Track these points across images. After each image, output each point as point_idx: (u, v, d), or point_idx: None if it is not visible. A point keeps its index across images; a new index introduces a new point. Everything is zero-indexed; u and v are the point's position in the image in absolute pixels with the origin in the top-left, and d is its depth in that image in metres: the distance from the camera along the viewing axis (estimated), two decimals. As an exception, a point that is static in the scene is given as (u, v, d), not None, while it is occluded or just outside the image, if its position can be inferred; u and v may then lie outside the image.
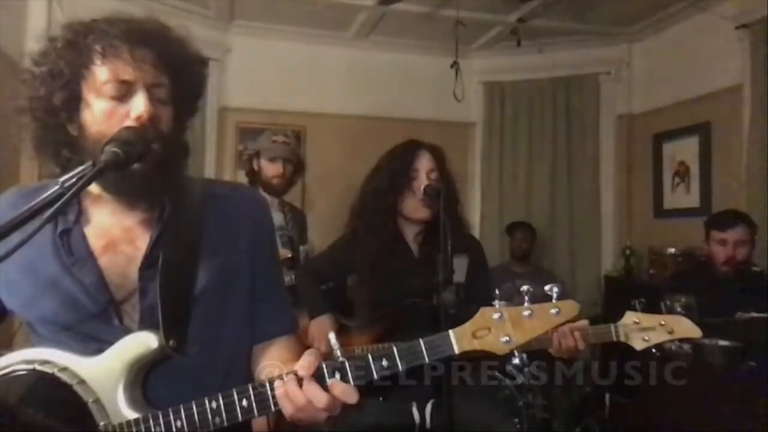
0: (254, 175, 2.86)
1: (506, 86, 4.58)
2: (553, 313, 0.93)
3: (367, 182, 2.15)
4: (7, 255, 0.84)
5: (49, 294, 1.04)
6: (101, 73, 0.99)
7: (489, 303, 0.96)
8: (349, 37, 4.33)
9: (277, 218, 2.84)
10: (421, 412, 1.93)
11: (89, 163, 0.91)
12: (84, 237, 1.06)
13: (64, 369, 1.02)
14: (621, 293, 3.89)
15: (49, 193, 0.86)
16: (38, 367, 1.03)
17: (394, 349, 0.95)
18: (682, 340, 1.65)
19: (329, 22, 4.11)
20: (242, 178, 3.22)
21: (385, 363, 0.94)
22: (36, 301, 1.05)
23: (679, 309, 2.32)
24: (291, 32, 4.24)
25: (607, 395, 3.10)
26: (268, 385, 0.97)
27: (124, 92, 0.99)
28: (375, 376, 0.95)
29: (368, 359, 0.95)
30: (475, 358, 1.87)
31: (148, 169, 0.97)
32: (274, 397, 0.96)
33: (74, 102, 1.01)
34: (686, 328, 1.56)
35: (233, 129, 4.17)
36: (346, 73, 4.40)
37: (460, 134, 4.65)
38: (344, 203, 2.29)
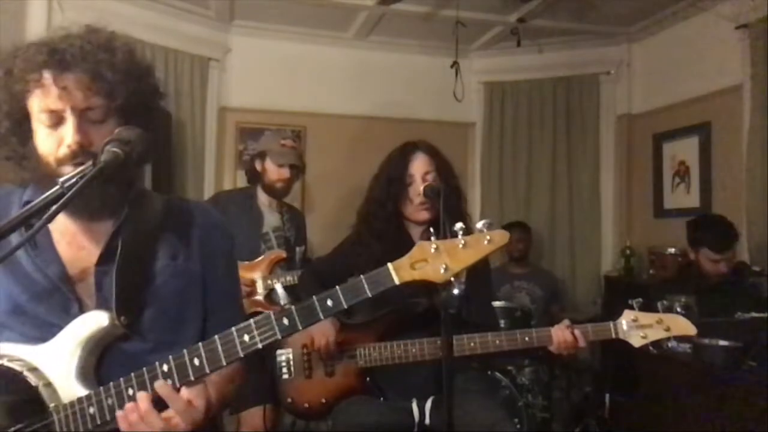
0: (255, 176, 2.86)
1: (506, 86, 4.58)
2: (485, 242, 1.00)
3: (369, 189, 2.17)
4: (7, 255, 0.88)
5: (16, 284, 1.08)
6: (35, 103, 1.04)
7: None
8: (349, 37, 4.33)
9: (275, 219, 2.84)
10: (421, 409, 1.94)
11: (89, 163, 0.93)
12: (48, 231, 1.10)
13: (17, 359, 1.06)
14: (621, 293, 3.88)
15: (49, 193, 0.88)
16: None
17: (338, 288, 1.00)
18: (680, 339, 1.69)
19: (329, 22, 4.11)
20: (242, 178, 3.22)
21: (329, 303, 0.99)
22: (5, 291, 1.08)
23: (678, 309, 2.32)
24: (291, 32, 4.24)
25: (607, 395, 3.10)
26: (218, 340, 1.00)
27: (56, 120, 1.03)
28: (321, 316, 0.99)
29: (313, 301, 0.99)
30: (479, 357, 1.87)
31: (86, 188, 0.98)
32: (225, 352, 0.99)
33: (24, 123, 1.06)
34: (682, 325, 1.63)
35: (233, 129, 4.17)
36: (346, 73, 4.39)
37: (460, 134, 4.65)
38: (344, 203, 2.30)
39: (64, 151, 1.02)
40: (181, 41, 3.81)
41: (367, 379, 1.97)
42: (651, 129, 4.19)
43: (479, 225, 1.02)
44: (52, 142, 1.04)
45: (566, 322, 1.81)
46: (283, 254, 2.76)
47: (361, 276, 1.00)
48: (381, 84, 4.44)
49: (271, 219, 2.83)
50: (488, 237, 1.00)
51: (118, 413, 0.99)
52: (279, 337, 0.99)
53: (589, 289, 4.32)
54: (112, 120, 1.06)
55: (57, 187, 0.90)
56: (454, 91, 3.63)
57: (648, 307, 1.70)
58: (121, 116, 1.07)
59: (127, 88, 1.06)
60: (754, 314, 2.39)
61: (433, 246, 1.00)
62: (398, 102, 4.43)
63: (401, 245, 2.05)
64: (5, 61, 1.04)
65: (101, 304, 1.08)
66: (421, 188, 1.97)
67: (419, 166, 2.04)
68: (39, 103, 1.03)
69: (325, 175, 4.12)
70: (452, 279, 1.00)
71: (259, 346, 0.99)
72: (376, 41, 4.40)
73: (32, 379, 1.04)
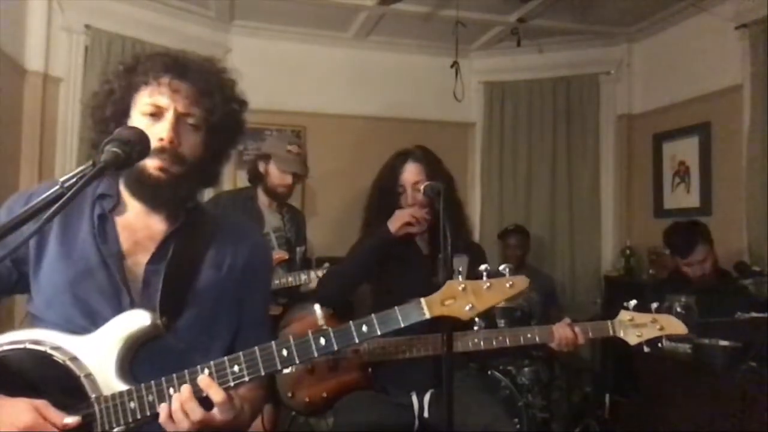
0: (258, 177, 2.85)
1: (506, 86, 4.58)
2: (508, 285, 1.12)
3: (369, 194, 2.19)
4: (12, 251, 0.94)
5: (75, 266, 1.15)
6: (144, 95, 1.17)
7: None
8: (349, 37, 4.33)
9: (275, 219, 2.84)
10: (420, 402, 1.95)
11: (89, 162, 0.93)
12: (115, 225, 1.20)
13: (57, 348, 1.10)
14: (621, 293, 3.87)
15: (49, 192, 0.89)
16: (29, 346, 1.09)
17: (373, 316, 1.09)
18: (674, 339, 1.76)
19: (329, 22, 4.11)
20: (242, 177, 3.21)
21: (365, 328, 1.09)
22: (65, 271, 1.15)
23: (679, 309, 2.32)
24: (291, 32, 4.25)
25: (607, 395, 3.10)
26: (257, 351, 1.07)
27: (157, 114, 1.15)
28: (356, 340, 1.09)
29: (350, 326, 1.09)
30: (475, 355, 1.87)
31: (165, 181, 1.13)
32: (264, 362, 1.07)
33: (123, 115, 1.18)
34: (674, 324, 1.71)
35: (233, 129, 4.16)
36: (346, 73, 4.40)
37: (460, 134, 4.65)
38: (344, 202, 2.30)
39: (155, 144, 1.11)
40: (181, 41, 3.76)
41: (369, 370, 1.97)
42: (651, 129, 4.19)
43: (501, 268, 1.14)
44: (149, 134, 1.11)
45: (567, 320, 1.86)
46: (285, 255, 2.77)
47: (396, 307, 1.10)
48: (381, 84, 4.44)
49: (271, 219, 2.83)
50: (511, 282, 1.12)
51: (161, 405, 1.05)
52: (315, 355, 1.08)
53: (589, 289, 4.32)
54: (203, 132, 1.19)
55: (57, 186, 0.90)
56: (454, 91, 3.63)
57: (644, 307, 1.74)
58: (211, 132, 1.20)
59: (224, 111, 1.21)
60: (754, 314, 2.39)
61: (462, 285, 1.12)
62: (398, 102, 4.43)
63: (403, 245, 2.08)
64: (128, 61, 1.22)
65: (146, 302, 1.15)
66: (422, 188, 1.97)
67: (409, 176, 2.06)
68: (148, 96, 1.16)
69: (325, 175, 4.11)
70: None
71: (297, 361, 1.08)
72: (376, 41, 4.41)
73: (74, 369, 1.09)
